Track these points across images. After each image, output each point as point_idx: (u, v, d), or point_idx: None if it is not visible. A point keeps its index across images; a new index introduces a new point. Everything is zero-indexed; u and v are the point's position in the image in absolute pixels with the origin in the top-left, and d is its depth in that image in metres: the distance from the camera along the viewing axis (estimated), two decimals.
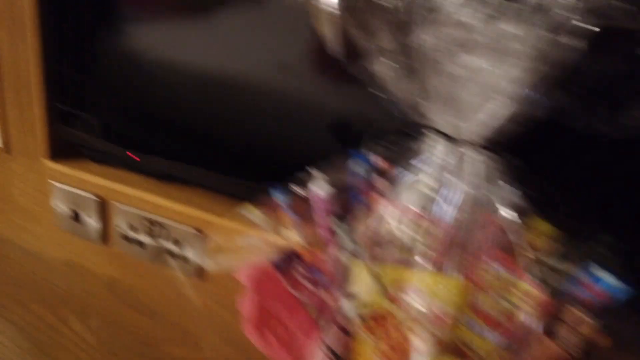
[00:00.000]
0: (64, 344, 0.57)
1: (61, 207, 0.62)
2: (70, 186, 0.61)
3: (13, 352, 0.55)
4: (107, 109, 0.57)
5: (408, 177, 0.36)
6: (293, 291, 0.39)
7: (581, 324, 0.32)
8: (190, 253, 0.58)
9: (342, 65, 0.35)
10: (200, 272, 0.60)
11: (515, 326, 0.33)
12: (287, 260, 0.39)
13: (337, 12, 0.34)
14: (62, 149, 0.62)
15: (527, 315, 0.33)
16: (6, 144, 0.62)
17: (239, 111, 0.53)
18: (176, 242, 0.59)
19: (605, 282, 0.32)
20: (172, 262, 0.59)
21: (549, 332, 0.33)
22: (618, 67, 0.31)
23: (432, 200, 0.35)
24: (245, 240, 0.41)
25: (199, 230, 0.57)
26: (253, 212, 0.39)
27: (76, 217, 0.62)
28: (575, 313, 0.32)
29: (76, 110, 0.57)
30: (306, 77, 0.48)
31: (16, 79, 0.58)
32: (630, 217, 0.37)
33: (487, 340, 0.35)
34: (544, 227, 0.34)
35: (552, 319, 0.33)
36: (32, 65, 0.56)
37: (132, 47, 0.55)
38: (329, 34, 0.35)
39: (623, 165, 0.38)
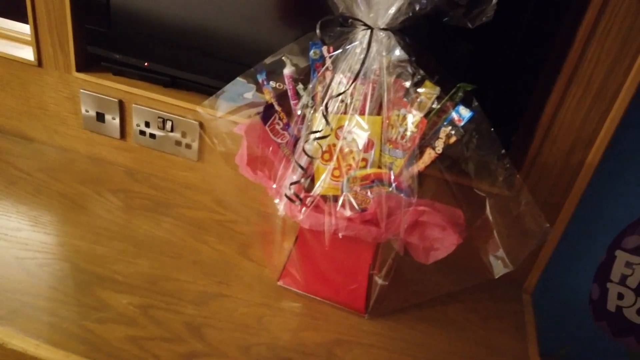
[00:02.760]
0: (97, 205, 0.76)
1: (88, 110, 0.80)
2: (96, 92, 0.78)
3: (57, 208, 0.74)
4: (129, 30, 0.74)
5: (345, 56, 0.56)
6: (274, 137, 0.59)
7: (449, 137, 0.53)
8: (193, 141, 0.77)
9: None
10: (200, 156, 0.79)
11: (410, 144, 0.54)
12: (269, 117, 0.58)
13: None
14: (87, 63, 0.78)
15: (415, 135, 0.53)
16: (39, 59, 0.78)
17: (225, 32, 0.71)
18: (183, 134, 0.77)
19: (460, 112, 0.52)
20: (180, 148, 0.78)
21: (430, 145, 0.54)
22: None
23: (360, 69, 0.55)
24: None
25: (201, 123, 0.76)
26: (242, 82, 0.58)
27: (101, 118, 0.80)
28: (445, 130, 0.53)
29: (102, 30, 0.73)
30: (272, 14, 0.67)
31: (48, 2, 0.73)
32: (476, 76, 0.57)
33: (396, 157, 0.56)
34: (427, 83, 0.54)
35: (432, 137, 0.54)
36: None
37: None
38: None
39: (475, 44, 0.59)
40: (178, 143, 0.78)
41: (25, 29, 0.84)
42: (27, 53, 0.80)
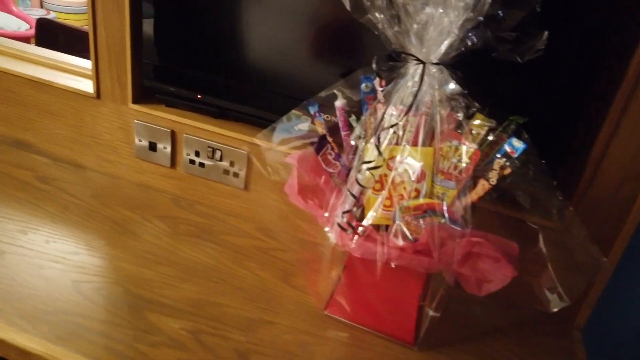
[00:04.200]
0: (145, 230, 0.78)
1: (141, 140, 0.83)
2: (149, 123, 0.81)
3: (108, 233, 0.77)
4: (181, 65, 0.78)
5: (397, 89, 0.57)
6: (326, 167, 0.60)
7: (503, 169, 0.53)
8: (241, 170, 0.79)
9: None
10: (247, 185, 0.81)
11: (462, 175, 0.55)
12: (322, 148, 0.60)
13: None
14: (141, 95, 0.82)
15: (468, 167, 0.54)
16: (97, 91, 0.83)
17: (277, 68, 0.74)
18: (231, 163, 0.79)
19: (513, 144, 0.53)
20: (227, 177, 0.80)
21: (484, 176, 0.54)
22: (518, 16, 0.52)
23: (412, 102, 0.56)
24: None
25: (250, 153, 0.78)
26: (297, 115, 0.60)
27: (153, 147, 0.83)
28: (499, 162, 0.53)
29: (157, 64, 0.77)
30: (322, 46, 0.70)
31: (109, 39, 0.78)
32: (529, 109, 0.57)
33: (448, 188, 0.56)
34: (480, 116, 0.55)
35: (484, 168, 0.54)
36: (123, 28, 0.76)
37: (201, 18, 0.75)
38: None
39: (521, 78, 0.60)
40: (226, 172, 0.80)
41: (81, 62, 0.89)
42: (84, 85, 0.85)
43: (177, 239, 0.77)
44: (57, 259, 0.69)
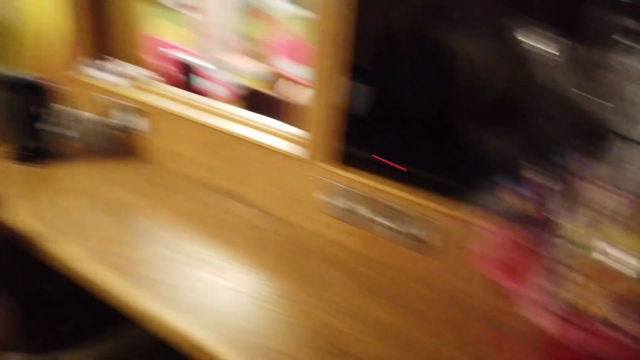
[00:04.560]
0: (333, 282, 0.87)
1: (336, 199, 0.94)
2: (347, 186, 0.92)
3: (298, 277, 0.87)
4: (376, 134, 0.88)
5: (600, 166, 0.57)
6: (523, 242, 0.61)
7: None
8: (431, 238, 0.84)
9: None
10: (435, 252, 0.85)
11: None
12: (518, 222, 0.62)
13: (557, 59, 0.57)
14: (342, 160, 0.93)
15: None
16: (303, 154, 0.97)
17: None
18: (417, 228, 0.85)
19: None
20: (416, 243, 0.86)
21: None
22: None
23: (616, 181, 0.55)
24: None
25: (436, 219, 0.82)
26: (493, 188, 0.63)
27: (345, 207, 0.93)
28: None
29: (355, 133, 0.89)
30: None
31: (318, 110, 0.92)
32: None
33: None
34: None
35: None
36: (332, 101, 0.90)
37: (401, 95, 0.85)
38: (550, 75, 0.58)
39: None
40: (412, 237, 0.86)
41: (288, 127, 1.05)
42: (290, 148, 0.99)
43: (363, 295, 0.84)
44: (256, 297, 0.80)
